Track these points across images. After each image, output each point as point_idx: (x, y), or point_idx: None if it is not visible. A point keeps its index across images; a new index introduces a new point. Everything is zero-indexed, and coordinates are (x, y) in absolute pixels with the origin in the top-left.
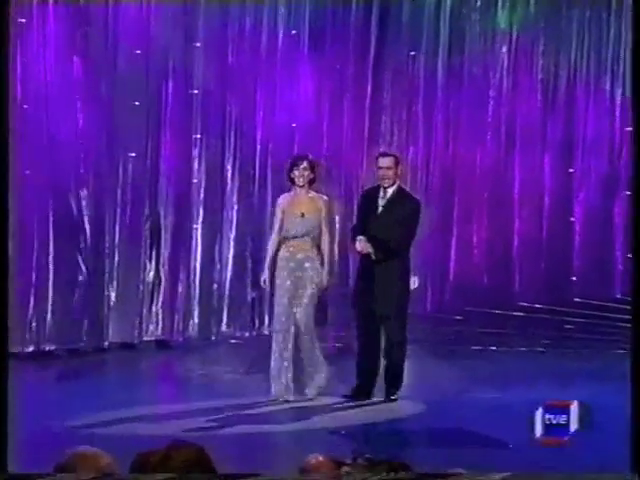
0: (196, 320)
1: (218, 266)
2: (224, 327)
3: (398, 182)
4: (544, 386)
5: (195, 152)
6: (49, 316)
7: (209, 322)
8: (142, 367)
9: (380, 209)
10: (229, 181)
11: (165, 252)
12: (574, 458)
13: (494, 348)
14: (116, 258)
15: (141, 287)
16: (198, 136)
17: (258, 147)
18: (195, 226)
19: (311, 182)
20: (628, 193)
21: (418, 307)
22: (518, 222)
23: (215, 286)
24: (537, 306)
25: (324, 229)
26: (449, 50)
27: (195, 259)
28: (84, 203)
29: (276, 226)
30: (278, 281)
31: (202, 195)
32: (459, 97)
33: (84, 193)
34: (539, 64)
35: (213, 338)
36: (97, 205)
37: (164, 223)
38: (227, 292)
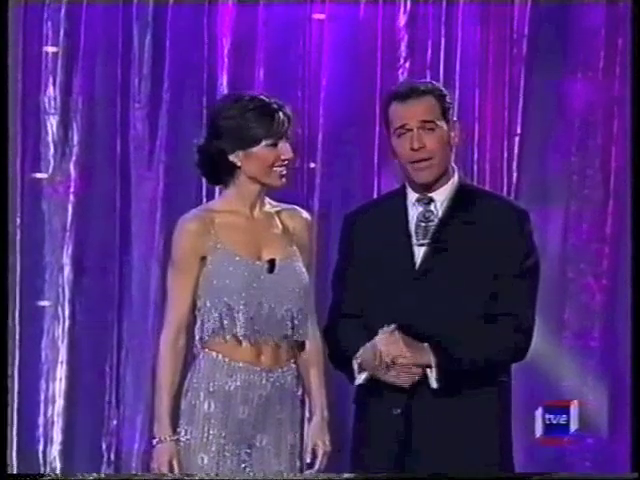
0: None
1: None
2: None
3: (457, 171)
4: None
5: None
6: None
7: None
8: None
9: (421, 250)
10: None
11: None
12: None
13: None
14: None
15: None
16: None
17: None
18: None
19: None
20: None
21: None
22: None
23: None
24: None
25: (310, 301)
26: None
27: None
28: None
29: (180, 309)
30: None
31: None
32: None
33: None
34: None
35: None
36: None
37: None
38: None
